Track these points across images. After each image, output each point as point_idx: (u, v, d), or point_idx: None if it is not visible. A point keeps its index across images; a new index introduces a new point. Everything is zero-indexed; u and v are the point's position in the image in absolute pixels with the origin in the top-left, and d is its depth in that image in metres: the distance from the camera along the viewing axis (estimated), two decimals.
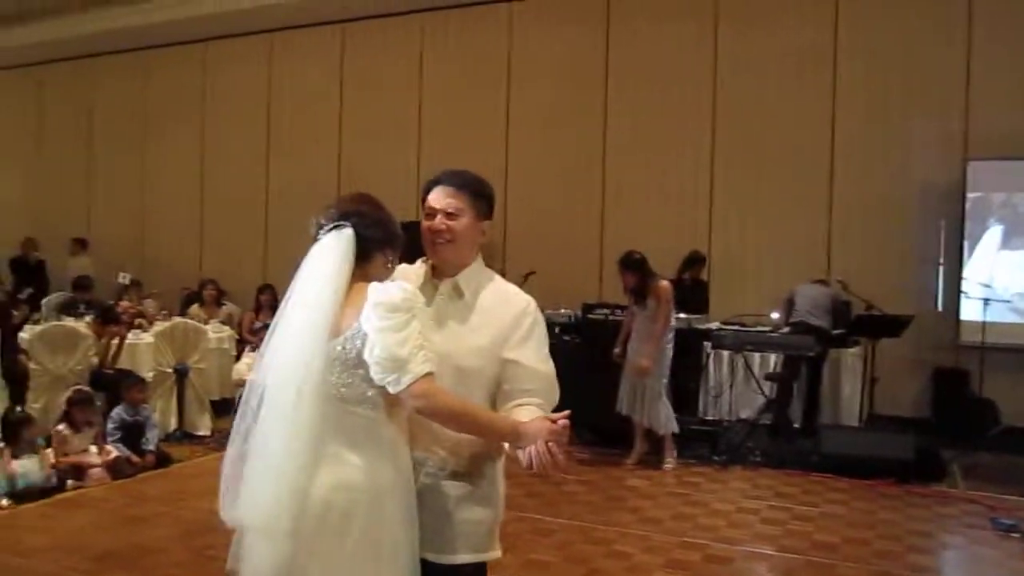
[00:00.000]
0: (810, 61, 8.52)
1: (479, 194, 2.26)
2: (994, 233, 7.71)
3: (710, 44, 8.94)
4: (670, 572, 4.35)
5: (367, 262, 2.14)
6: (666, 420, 6.43)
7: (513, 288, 2.29)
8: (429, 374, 1.94)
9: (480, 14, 10.01)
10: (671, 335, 6.48)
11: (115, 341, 6.82)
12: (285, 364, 2.01)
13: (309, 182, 10.99)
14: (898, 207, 8.15)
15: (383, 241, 2.18)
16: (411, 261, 2.33)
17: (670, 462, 6.49)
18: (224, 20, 10.93)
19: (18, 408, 5.91)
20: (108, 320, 6.86)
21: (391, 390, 1.94)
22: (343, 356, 1.99)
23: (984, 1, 7.85)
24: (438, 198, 2.22)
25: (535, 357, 2.16)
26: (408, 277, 2.25)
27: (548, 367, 2.19)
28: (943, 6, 8.02)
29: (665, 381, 6.45)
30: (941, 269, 8.03)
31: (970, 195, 7.72)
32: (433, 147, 10.17)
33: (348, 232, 2.10)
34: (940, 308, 8.00)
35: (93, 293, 9.16)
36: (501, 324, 2.16)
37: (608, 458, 6.63)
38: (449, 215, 2.19)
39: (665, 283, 6.41)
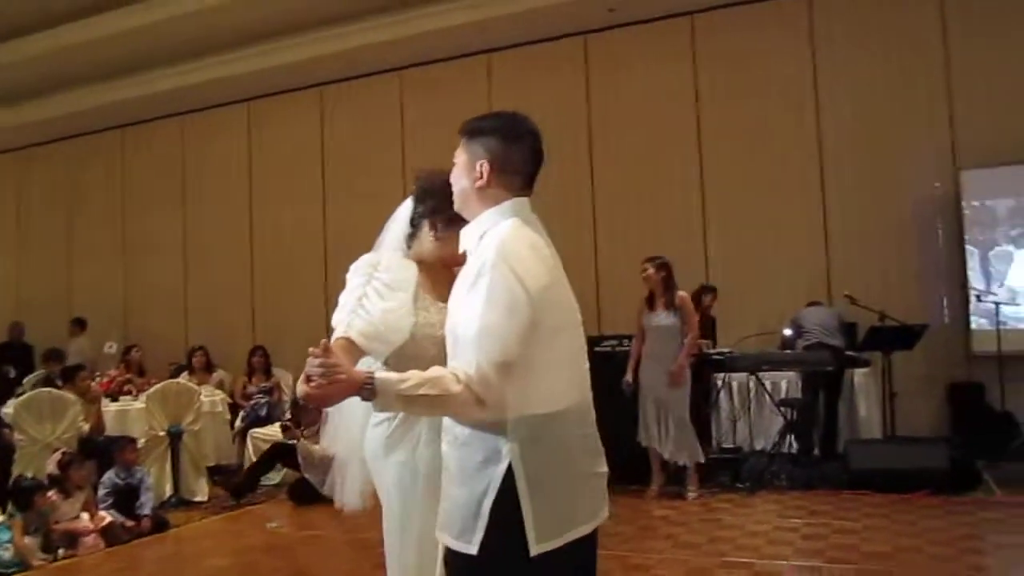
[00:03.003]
0: (792, 88, 8.53)
1: (472, 132, 2.00)
2: (999, 239, 7.62)
3: (690, 80, 8.96)
4: None
5: (417, 231, 2.31)
6: (692, 449, 6.17)
7: (501, 237, 1.87)
8: (342, 337, 2.06)
9: (459, 67, 10.02)
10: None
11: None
12: None
13: (294, 245, 10.89)
14: (894, 222, 8.07)
15: (431, 211, 2.25)
16: None
17: (693, 491, 6.20)
18: (201, 91, 10.88)
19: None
20: (70, 376, 6.63)
21: None
22: None
23: (955, 11, 7.92)
24: None
25: (470, 312, 1.82)
26: None
27: (482, 321, 1.79)
28: (915, 21, 8.08)
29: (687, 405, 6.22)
30: (943, 280, 7.92)
31: (970, 203, 7.65)
32: None
33: (407, 202, 2.30)
34: (947, 320, 7.87)
35: (64, 363, 8.81)
36: (462, 283, 1.92)
37: (627, 491, 6.32)
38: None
39: (686, 294, 6.26)
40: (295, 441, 6.70)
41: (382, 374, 1.83)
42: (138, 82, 10.80)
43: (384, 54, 9.89)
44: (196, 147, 11.74)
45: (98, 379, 7.40)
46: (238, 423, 8.02)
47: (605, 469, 2.03)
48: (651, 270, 6.31)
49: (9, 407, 6.71)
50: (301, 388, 1.78)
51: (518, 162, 1.98)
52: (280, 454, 6.93)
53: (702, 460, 6.23)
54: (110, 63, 10.40)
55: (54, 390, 6.53)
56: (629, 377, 6.34)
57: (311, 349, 1.76)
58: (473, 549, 1.83)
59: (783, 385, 7.61)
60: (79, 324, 11.37)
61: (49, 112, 11.57)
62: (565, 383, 1.96)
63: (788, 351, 7.19)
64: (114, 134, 12.25)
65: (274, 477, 7.15)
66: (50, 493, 5.30)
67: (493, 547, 1.82)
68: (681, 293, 6.28)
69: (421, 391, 1.78)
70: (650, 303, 6.32)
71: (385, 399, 1.80)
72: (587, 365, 2.05)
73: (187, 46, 9.96)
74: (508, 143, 1.97)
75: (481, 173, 1.95)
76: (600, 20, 9.10)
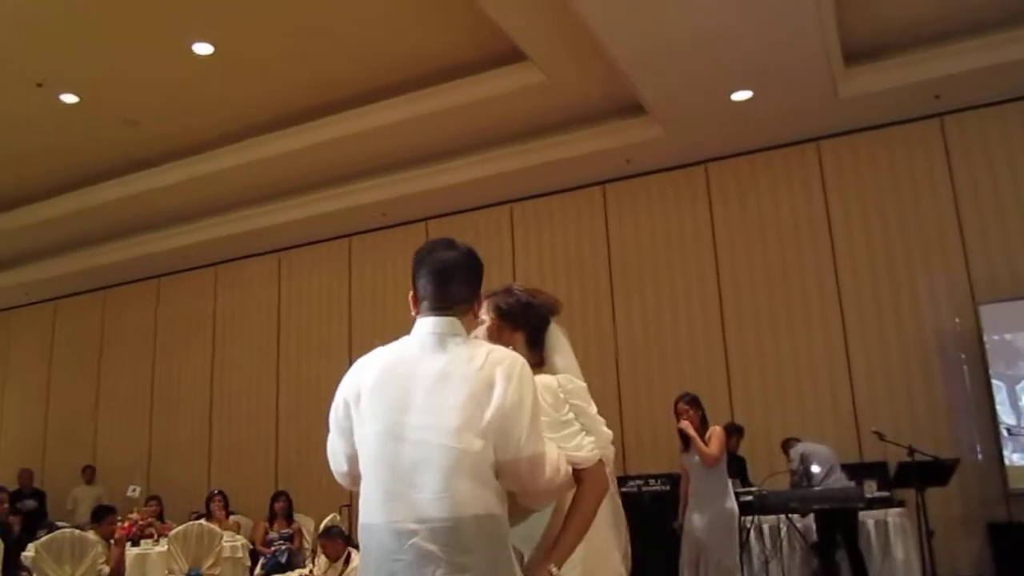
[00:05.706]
0: (806, 229, 8.78)
1: None
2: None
3: (706, 223, 9.25)
4: None
5: None
6: None
7: None
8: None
9: (483, 216, 10.38)
10: (733, 503, 6.12)
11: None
12: None
13: (319, 392, 10.94)
14: (917, 357, 8.08)
15: None
16: None
17: None
18: (233, 242, 11.31)
19: None
20: (102, 517, 6.60)
21: None
22: None
23: (959, 146, 8.21)
24: None
25: None
26: None
27: None
28: (920, 159, 8.37)
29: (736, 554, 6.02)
30: (972, 415, 7.82)
31: (991, 337, 7.66)
32: None
33: None
34: (980, 456, 7.71)
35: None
36: None
37: None
38: None
39: (718, 428, 6.18)
40: None
41: None
42: (170, 235, 11.26)
43: (411, 206, 10.30)
44: (226, 297, 12.09)
45: (120, 522, 7.33)
46: (258, 570, 7.88)
47: None
48: (691, 411, 6.26)
49: (30, 549, 6.67)
50: None
51: (421, 287, 2.19)
52: None
53: None
54: (143, 219, 10.89)
55: (76, 530, 6.50)
56: (679, 521, 6.21)
57: None
58: None
59: (813, 528, 7.38)
60: (89, 472, 11.49)
61: (81, 264, 12.04)
62: (375, 496, 1.98)
63: (816, 489, 7.03)
64: (145, 284, 12.68)
65: None
66: None
67: None
68: (714, 428, 6.20)
69: None
70: (686, 442, 6.24)
71: None
72: (421, 483, 1.91)
73: (219, 200, 10.41)
74: (416, 272, 2.21)
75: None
76: (617, 170, 9.49)
